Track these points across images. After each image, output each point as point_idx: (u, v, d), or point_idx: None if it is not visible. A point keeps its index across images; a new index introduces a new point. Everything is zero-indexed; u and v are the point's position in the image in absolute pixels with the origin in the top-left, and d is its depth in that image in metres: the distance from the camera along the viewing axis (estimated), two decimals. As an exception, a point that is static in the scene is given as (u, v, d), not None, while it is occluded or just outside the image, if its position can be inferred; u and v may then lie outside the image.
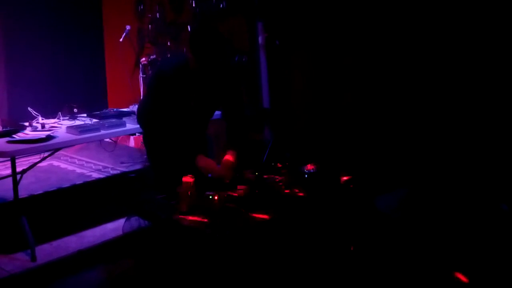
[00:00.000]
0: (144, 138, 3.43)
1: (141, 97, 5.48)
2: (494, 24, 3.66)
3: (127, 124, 4.28)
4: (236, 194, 2.92)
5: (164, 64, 3.27)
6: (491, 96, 3.72)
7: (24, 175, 4.39)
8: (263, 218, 2.67)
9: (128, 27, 5.83)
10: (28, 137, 3.76)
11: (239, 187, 2.97)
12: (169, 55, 6.07)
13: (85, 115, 4.54)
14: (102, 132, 4.13)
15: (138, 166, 5.96)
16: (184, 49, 5.87)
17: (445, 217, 3.02)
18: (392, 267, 2.82)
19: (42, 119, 4.21)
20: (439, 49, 3.97)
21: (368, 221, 3.07)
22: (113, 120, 4.31)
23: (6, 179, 4.47)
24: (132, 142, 6.89)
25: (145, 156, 5.52)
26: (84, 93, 6.84)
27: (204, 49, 2.96)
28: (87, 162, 6.29)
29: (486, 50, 3.71)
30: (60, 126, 4.17)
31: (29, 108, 4.29)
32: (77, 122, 4.30)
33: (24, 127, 4.00)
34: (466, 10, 3.76)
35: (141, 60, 6.03)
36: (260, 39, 5.16)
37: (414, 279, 2.74)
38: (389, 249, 2.91)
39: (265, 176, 3.18)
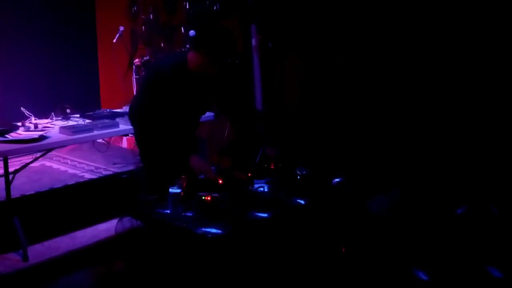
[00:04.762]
0: (136, 137, 3.42)
1: (135, 95, 5.49)
2: (483, 23, 3.69)
3: (120, 125, 4.28)
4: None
5: (163, 62, 3.25)
6: (484, 98, 3.75)
7: (16, 175, 4.38)
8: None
9: (121, 28, 5.84)
10: (21, 137, 3.76)
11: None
12: (166, 54, 6.08)
13: (78, 115, 4.54)
14: (95, 132, 4.13)
15: (130, 167, 5.96)
16: (178, 50, 5.89)
17: (435, 219, 3.04)
18: (383, 268, 2.85)
19: (35, 119, 4.21)
20: (431, 53, 4.00)
21: (360, 222, 3.09)
22: (106, 120, 4.31)
23: (-2, 179, 4.47)
24: (125, 143, 6.88)
25: (138, 157, 5.53)
26: (77, 93, 6.84)
27: (225, 50, 3.01)
28: (79, 162, 6.28)
29: (481, 52, 3.74)
30: (53, 127, 4.16)
31: (22, 108, 4.28)
32: (70, 123, 4.30)
33: (17, 127, 4.00)
34: (459, 8, 3.80)
35: (134, 61, 6.03)
36: (253, 41, 5.17)
37: (404, 280, 2.76)
38: (380, 250, 2.93)
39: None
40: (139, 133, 3.34)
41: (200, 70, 3.07)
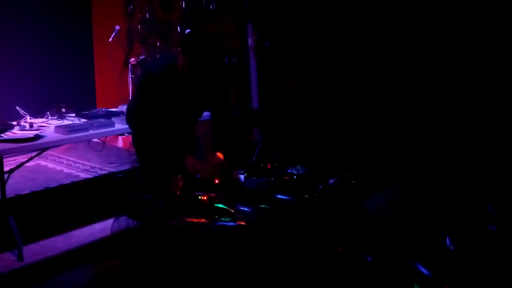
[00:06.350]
0: (133, 138, 3.43)
1: (130, 97, 5.47)
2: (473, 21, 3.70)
3: (115, 124, 4.27)
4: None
5: (152, 64, 3.28)
6: (483, 97, 3.75)
7: (12, 175, 4.35)
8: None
9: (117, 27, 5.81)
10: (16, 136, 3.74)
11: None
12: (158, 56, 6.07)
13: (73, 114, 4.52)
14: (91, 132, 4.11)
15: (126, 167, 5.95)
16: (174, 50, 5.88)
17: (431, 218, 3.04)
18: (378, 267, 2.84)
19: (30, 119, 4.18)
20: (428, 52, 4.00)
21: (356, 221, 3.09)
22: (102, 120, 4.30)
23: (-7, 179, 4.45)
24: (120, 142, 6.87)
25: (133, 157, 5.52)
26: (73, 92, 6.82)
27: (198, 52, 2.96)
28: (75, 162, 6.26)
29: (478, 50, 3.74)
30: (48, 126, 4.15)
31: (17, 107, 4.26)
32: (66, 122, 4.28)
33: (12, 126, 3.98)
34: (458, 7, 3.80)
35: (130, 60, 6.01)
36: (249, 40, 5.17)
37: (400, 279, 2.76)
38: (376, 249, 2.93)
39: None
40: (135, 134, 3.35)
41: (182, 69, 3.07)
